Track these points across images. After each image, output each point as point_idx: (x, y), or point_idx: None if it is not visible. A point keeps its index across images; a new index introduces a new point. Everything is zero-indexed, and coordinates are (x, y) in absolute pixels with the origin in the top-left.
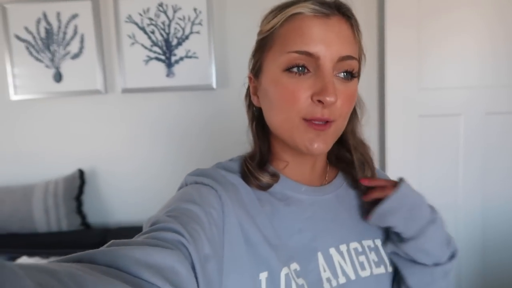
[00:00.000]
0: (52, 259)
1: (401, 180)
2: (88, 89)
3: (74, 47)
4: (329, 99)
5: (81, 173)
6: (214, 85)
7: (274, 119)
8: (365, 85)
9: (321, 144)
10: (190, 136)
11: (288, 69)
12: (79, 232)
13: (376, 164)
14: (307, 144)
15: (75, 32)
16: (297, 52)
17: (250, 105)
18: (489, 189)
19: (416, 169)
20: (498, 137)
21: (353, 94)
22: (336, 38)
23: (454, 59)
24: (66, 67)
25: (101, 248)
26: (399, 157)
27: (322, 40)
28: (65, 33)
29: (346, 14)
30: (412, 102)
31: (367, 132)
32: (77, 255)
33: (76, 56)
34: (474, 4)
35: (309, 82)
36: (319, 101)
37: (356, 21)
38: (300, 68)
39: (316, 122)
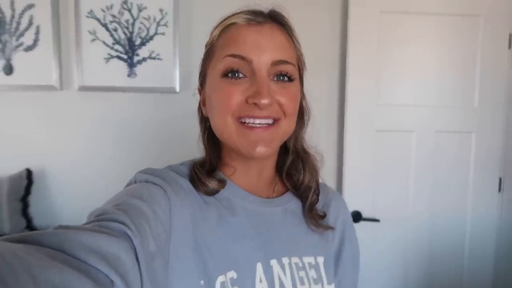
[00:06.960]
0: None
1: None
2: (41, 84)
3: (28, 39)
4: (263, 101)
5: (28, 172)
6: (178, 89)
7: (216, 124)
8: (327, 98)
9: (263, 147)
10: (149, 140)
11: (225, 75)
12: None
13: (333, 175)
14: (247, 147)
15: (30, 23)
16: (231, 55)
17: (202, 118)
18: (437, 205)
19: (371, 182)
20: (447, 155)
21: (295, 94)
22: (269, 43)
23: (410, 78)
24: (18, 59)
25: (48, 230)
26: (356, 169)
27: (255, 45)
28: (18, 23)
29: (279, 21)
30: (369, 117)
31: (326, 144)
32: (22, 236)
33: (29, 48)
34: (434, 27)
35: (245, 86)
36: (255, 104)
37: (290, 28)
38: (236, 74)
39: (258, 125)
